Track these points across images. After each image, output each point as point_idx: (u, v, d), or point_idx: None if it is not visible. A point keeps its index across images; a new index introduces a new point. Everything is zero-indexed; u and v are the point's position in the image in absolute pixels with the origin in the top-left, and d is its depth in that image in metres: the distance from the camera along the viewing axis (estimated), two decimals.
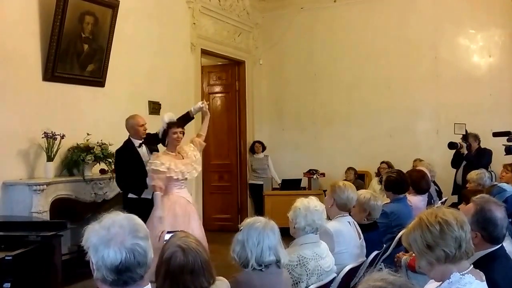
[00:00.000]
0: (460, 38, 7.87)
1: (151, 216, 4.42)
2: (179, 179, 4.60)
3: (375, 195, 3.92)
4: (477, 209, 2.38)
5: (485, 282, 1.96)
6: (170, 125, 4.66)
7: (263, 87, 9.31)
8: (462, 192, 5.29)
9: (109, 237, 1.68)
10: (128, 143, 4.95)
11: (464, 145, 6.68)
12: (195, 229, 4.45)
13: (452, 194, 6.84)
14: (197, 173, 4.82)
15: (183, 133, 4.70)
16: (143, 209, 4.43)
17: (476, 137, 6.80)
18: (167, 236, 2.51)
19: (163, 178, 4.49)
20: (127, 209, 4.53)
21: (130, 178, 4.84)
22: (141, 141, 4.94)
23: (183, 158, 4.69)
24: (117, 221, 1.72)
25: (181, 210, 4.58)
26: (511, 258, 2.47)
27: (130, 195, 4.87)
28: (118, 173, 5.02)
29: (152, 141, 4.99)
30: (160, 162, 4.49)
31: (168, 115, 4.74)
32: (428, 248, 1.94)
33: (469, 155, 6.68)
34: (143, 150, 4.95)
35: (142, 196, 4.80)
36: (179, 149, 4.73)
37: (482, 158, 6.52)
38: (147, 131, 5.05)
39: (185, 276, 1.93)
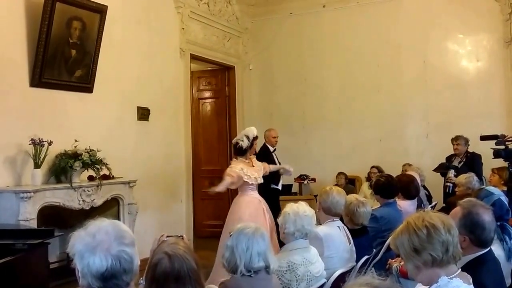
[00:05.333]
0: (448, 42, 7.92)
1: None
2: (253, 183, 5.41)
3: (362, 201, 3.92)
4: (464, 212, 2.39)
5: (472, 286, 1.96)
6: (256, 137, 5.62)
7: (253, 92, 9.30)
8: (447, 200, 5.29)
9: (95, 244, 1.66)
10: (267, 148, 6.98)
11: (452, 171, 6.62)
12: (264, 224, 5.09)
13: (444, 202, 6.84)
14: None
15: None
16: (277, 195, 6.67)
17: (466, 141, 6.81)
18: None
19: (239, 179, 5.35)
20: (267, 195, 6.07)
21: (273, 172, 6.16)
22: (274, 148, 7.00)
23: (253, 166, 5.52)
24: (103, 227, 1.71)
25: (254, 208, 5.33)
26: (499, 261, 2.47)
27: (273, 186, 6.63)
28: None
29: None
30: (240, 168, 5.32)
31: (254, 129, 5.68)
32: (415, 252, 1.93)
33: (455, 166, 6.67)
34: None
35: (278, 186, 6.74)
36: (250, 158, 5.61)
37: (471, 168, 6.37)
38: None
39: (169, 283, 1.91)
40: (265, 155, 6.67)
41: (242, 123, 9.03)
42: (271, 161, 6.53)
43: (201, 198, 8.55)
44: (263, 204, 5.45)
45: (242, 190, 5.42)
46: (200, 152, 8.76)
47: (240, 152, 5.47)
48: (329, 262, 3.28)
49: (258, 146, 6.10)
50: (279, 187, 6.90)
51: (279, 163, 6.75)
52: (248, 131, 5.58)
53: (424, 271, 1.94)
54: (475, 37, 7.80)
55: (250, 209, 5.28)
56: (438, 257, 1.90)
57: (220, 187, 5.21)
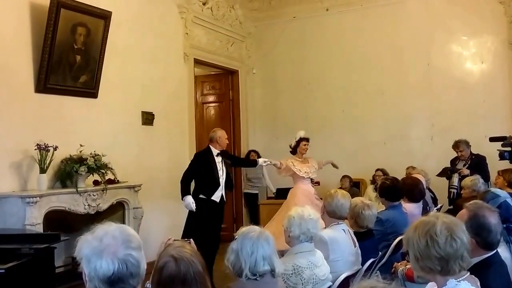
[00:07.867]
0: (452, 44, 7.91)
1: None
2: (304, 177, 6.67)
3: (367, 203, 3.90)
4: (470, 215, 2.37)
5: None
6: (302, 139, 6.72)
7: (256, 96, 9.32)
8: (454, 203, 5.25)
9: (102, 248, 1.67)
10: (207, 150, 5.86)
11: (456, 175, 6.57)
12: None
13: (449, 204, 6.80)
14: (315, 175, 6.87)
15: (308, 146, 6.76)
16: (211, 208, 5.63)
17: (467, 144, 6.77)
18: None
19: (288, 170, 6.65)
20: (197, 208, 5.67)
21: (203, 180, 5.69)
22: (219, 151, 5.82)
23: (307, 163, 6.77)
24: (110, 232, 1.72)
25: (305, 197, 6.40)
26: (506, 264, 2.46)
27: (201, 196, 5.67)
28: (188, 172, 5.77)
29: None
30: (290, 161, 6.66)
31: (302, 132, 6.78)
32: (414, 257, 1.93)
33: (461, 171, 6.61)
34: (219, 159, 5.79)
35: (212, 198, 5.69)
36: (305, 157, 6.81)
37: (477, 171, 6.22)
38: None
39: (176, 286, 1.91)
40: (202, 159, 5.78)
41: (246, 127, 9.05)
42: (207, 166, 5.70)
43: None
44: (314, 194, 6.59)
45: (297, 181, 6.66)
46: None
47: (292, 151, 6.77)
48: (334, 266, 3.26)
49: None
50: (216, 199, 5.70)
51: (225, 167, 5.82)
52: (296, 134, 6.77)
53: (425, 274, 1.94)
54: (479, 39, 7.79)
55: (304, 197, 6.33)
56: (435, 268, 1.89)
57: (274, 162, 6.57)
